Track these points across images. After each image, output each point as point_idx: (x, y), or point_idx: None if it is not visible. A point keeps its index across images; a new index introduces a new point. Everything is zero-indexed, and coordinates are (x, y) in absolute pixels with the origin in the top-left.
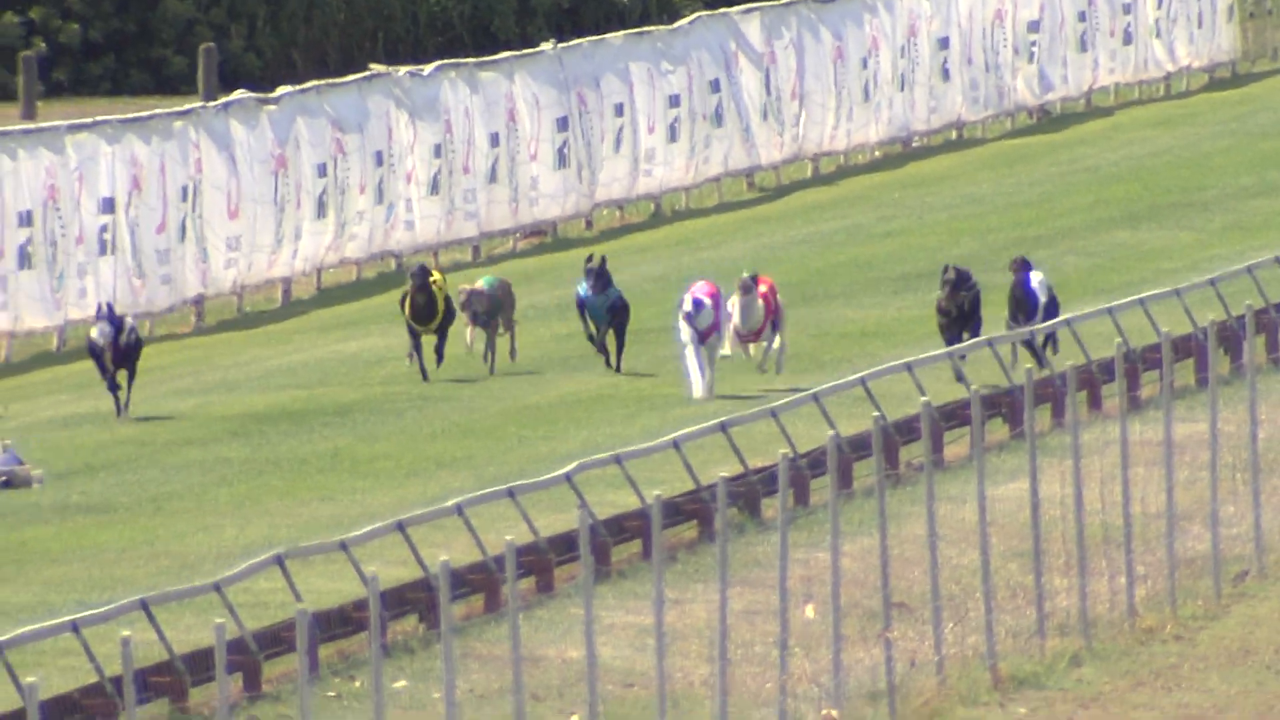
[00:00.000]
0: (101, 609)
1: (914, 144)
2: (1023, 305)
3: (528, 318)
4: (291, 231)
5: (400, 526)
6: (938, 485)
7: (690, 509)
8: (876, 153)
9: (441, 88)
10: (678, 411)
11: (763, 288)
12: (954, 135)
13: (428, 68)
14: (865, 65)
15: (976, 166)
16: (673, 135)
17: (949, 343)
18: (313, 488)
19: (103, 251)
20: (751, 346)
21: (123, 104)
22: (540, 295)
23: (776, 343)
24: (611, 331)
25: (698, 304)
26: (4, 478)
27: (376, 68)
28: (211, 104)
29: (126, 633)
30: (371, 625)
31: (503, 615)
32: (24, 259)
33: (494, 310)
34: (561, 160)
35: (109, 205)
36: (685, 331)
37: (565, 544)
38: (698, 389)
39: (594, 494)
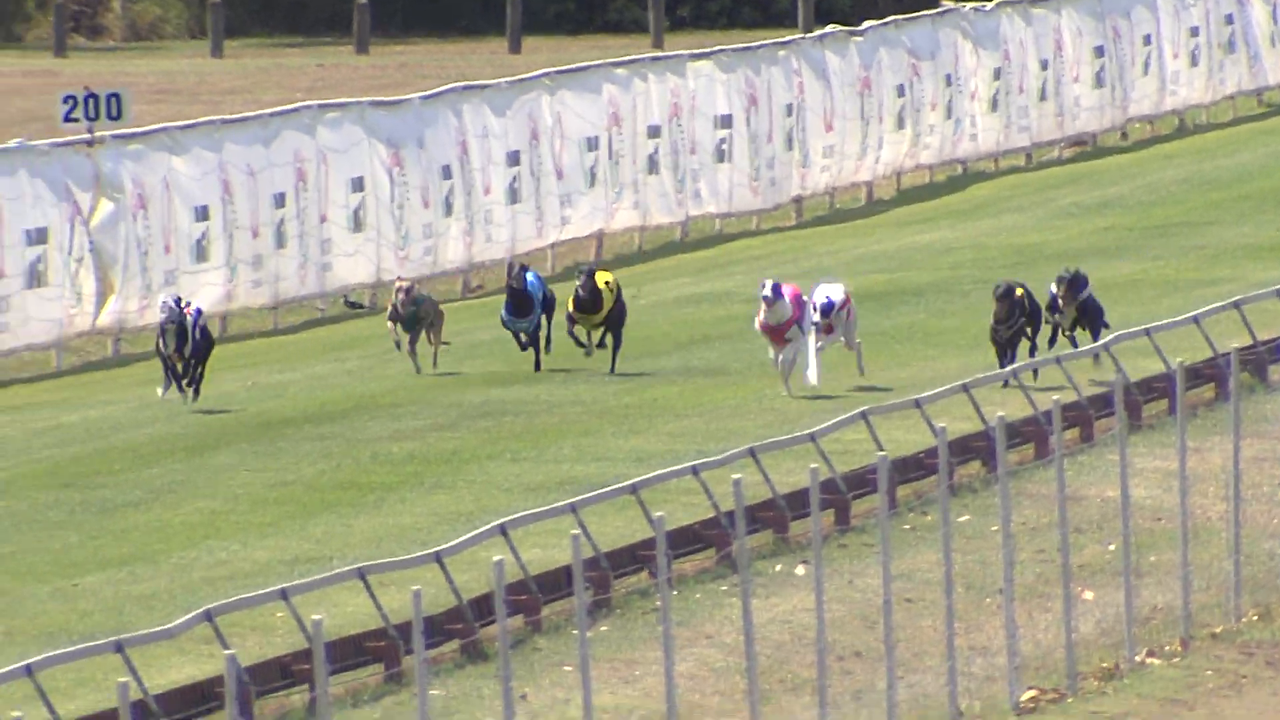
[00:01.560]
0: (717, 456)
1: None
2: (1074, 287)
3: (1071, 215)
4: (875, 142)
5: (965, 388)
6: None
7: (1209, 373)
8: None
9: (1001, 21)
10: (1198, 293)
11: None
12: None
13: (990, 4)
14: None
15: None
16: (1194, 60)
17: (1003, 354)
18: (892, 355)
19: (719, 159)
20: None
21: (735, 36)
22: (1081, 195)
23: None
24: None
25: (828, 306)
26: None
27: (947, 3)
28: (809, 36)
29: (737, 475)
30: (940, 469)
31: (1049, 461)
32: (653, 165)
33: (419, 318)
34: (1099, 81)
35: (726, 121)
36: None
37: (1103, 402)
38: (813, 376)
39: (1127, 360)
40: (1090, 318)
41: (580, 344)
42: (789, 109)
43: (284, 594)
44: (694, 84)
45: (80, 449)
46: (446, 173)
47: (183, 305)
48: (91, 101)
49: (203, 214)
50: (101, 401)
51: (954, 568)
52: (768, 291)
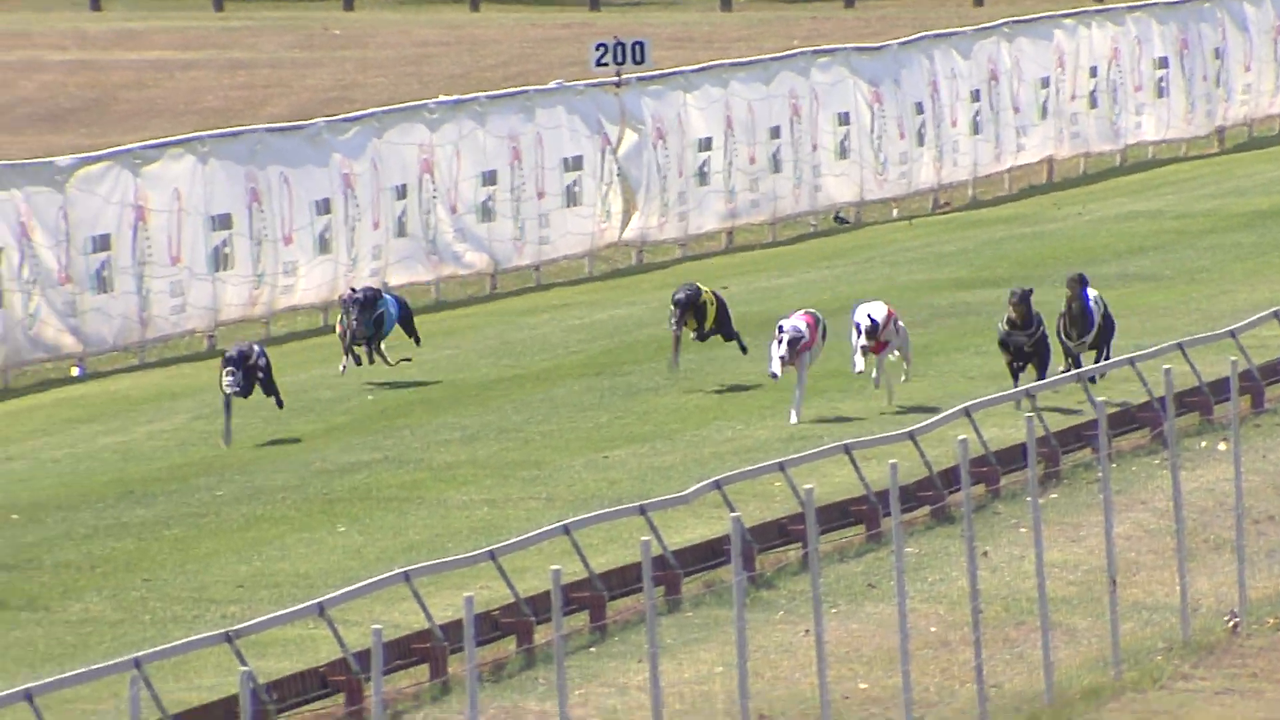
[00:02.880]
0: (1149, 349)
1: None
2: (1078, 322)
3: None
4: None
5: None
6: None
7: None
8: None
9: None
10: None
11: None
12: None
13: None
14: None
15: None
16: None
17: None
18: None
19: (1159, 95)
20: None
21: None
22: None
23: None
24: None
25: (873, 328)
26: None
27: None
28: None
29: (1168, 366)
30: None
31: None
32: (1094, 100)
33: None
34: None
35: (1163, 62)
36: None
37: None
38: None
39: None
40: (1105, 336)
41: (674, 360)
42: (1216, 52)
43: (781, 466)
44: (1134, 31)
45: (608, 343)
46: (919, 108)
47: (250, 352)
48: (619, 48)
49: (707, 144)
50: (626, 302)
51: None
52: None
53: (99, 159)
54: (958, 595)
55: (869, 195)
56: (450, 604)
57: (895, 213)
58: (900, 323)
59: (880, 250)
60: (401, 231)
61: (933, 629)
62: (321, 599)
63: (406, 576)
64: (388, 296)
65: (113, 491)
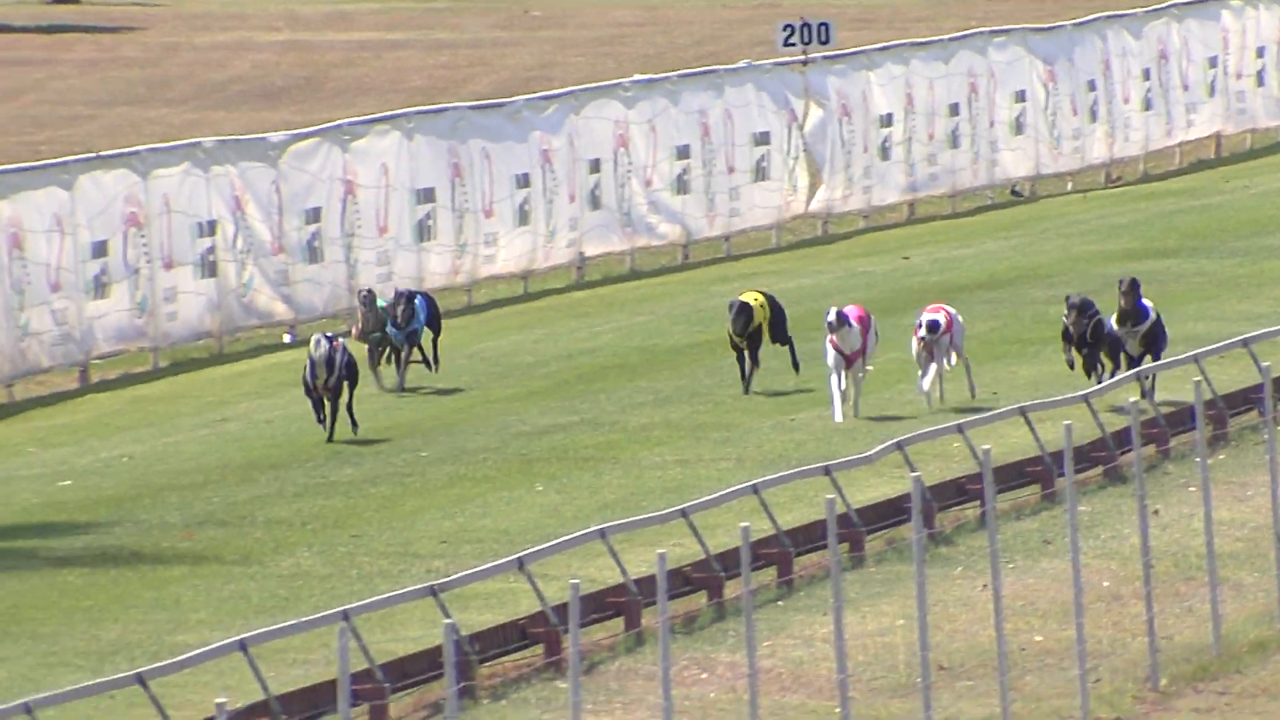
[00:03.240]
0: None
1: None
2: (1133, 315)
3: None
4: None
5: None
6: None
7: None
8: None
9: None
10: None
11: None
12: None
13: None
14: None
15: None
16: None
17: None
18: None
19: None
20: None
21: None
22: None
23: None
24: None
25: (934, 325)
26: None
27: None
28: None
29: None
30: None
31: None
32: (1261, 78)
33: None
34: None
35: None
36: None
37: None
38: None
39: None
40: (1154, 341)
41: (742, 374)
42: None
43: (960, 428)
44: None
45: (795, 310)
46: (1092, 85)
47: (333, 340)
48: (805, 29)
49: (888, 120)
50: (812, 271)
51: None
52: (831, 318)
53: (310, 135)
54: (1129, 552)
55: (1044, 169)
56: (644, 560)
57: (1069, 186)
58: (959, 325)
59: (1055, 222)
60: (596, 204)
61: (1105, 584)
62: (521, 554)
63: (602, 533)
64: (419, 298)
65: (322, 452)
